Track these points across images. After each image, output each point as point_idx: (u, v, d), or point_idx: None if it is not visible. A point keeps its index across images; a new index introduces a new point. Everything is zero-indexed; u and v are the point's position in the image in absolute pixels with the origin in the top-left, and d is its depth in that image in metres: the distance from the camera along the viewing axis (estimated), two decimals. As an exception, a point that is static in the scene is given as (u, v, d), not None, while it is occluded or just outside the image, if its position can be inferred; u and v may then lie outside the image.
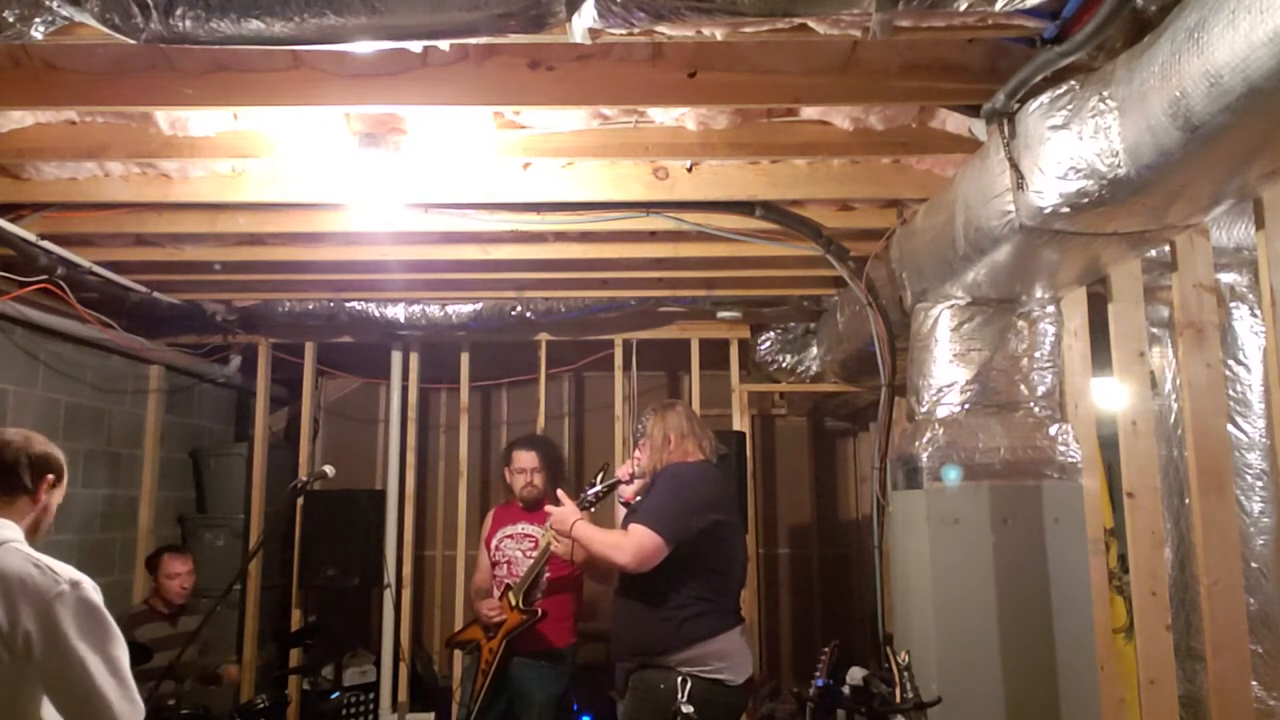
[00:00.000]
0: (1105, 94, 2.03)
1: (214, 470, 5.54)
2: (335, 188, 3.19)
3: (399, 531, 5.43)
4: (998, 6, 1.84)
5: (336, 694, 4.61)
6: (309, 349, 5.39)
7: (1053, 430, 3.04)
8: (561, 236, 3.82)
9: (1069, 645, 2.90)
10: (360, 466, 5.92)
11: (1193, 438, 2.76)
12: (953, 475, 2.97)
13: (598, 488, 3.35)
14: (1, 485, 1.99)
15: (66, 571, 1.90)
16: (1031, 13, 1.96)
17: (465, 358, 5.51)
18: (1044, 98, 2.21)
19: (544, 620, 3.76)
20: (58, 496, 2.10)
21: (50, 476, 2.06)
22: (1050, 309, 3.13)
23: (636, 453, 3.23)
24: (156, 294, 4.47)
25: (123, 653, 1.91)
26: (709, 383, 5.41)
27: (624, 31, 1.90)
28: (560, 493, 3.25)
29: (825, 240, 3.58)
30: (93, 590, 1.91)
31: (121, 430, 4.98)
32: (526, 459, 4.04)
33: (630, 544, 2.88)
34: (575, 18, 1.84)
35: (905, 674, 2.66)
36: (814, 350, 5.29)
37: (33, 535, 2.02)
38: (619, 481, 3.28)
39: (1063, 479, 3.00)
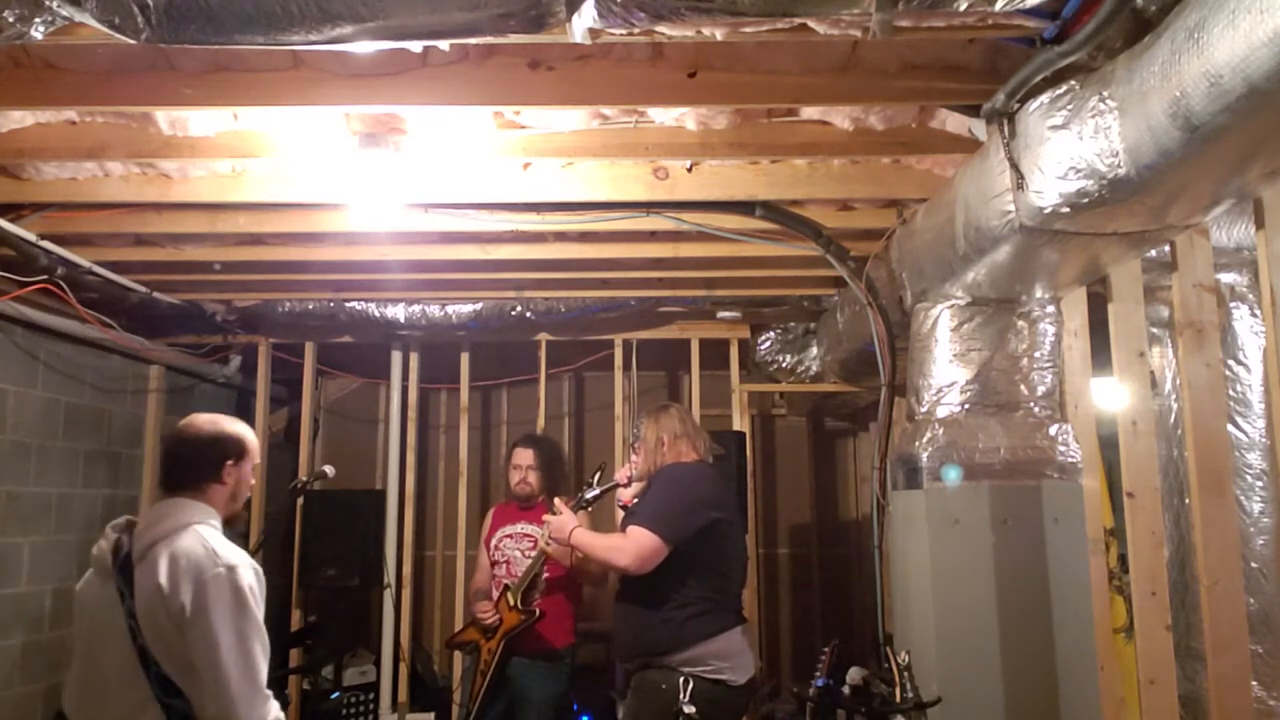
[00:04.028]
0: (1105, 94, 2.03)
1: (214, 470, 5.52)
2: (335, 188, 3.18)
3: (399, 531, 5.42)
4: (998, 6, 1.84)
5: (336, 694, 4.61)
6: (309, 349, 5.38)
7: (1053, 430, 3.04)
8: (561, 236, 3.81)
9: (1069, 645, 2.90)
10: (360, 466, 5.92)
11: (1193, 438, 2.76)
12: (953, 475, 2.97)
13: (595, 490, 3.36)
14: (188, 478, 2.17)
15: (229, 555, 2.05)
16: (1031, 13, 1.96)
17: (465, 358, 5.51)
18: (1044, 98, 2.21)
19: (542, 620, 3.76)
20: (246, 470, 2.26)
21: (229, 461, 2.21)
22: (1050, 309, 3.13)
23: (633, 456, 3.24)
24: (156, 294, 4.46)
25: (257, 636, 2.02)
26: (709, 383, 5.41)
27: (624, 31, 1.89)
28: (558, 500, 3.27)
29: (825, 240, 3.58)
30: (247, 573, 2.05)
31: (121, 430, 4.98)
32: (524, 456, 4.07)
33: (630, 546, 2.89)
34: (575, 18, 1.84)
35: (905, 674, 2.66)
36: (814, 350, 5.29)
37: (233, 502, 2.24)
38: (617, 484, 3.29)
39: (1063, 479, 3.00)
